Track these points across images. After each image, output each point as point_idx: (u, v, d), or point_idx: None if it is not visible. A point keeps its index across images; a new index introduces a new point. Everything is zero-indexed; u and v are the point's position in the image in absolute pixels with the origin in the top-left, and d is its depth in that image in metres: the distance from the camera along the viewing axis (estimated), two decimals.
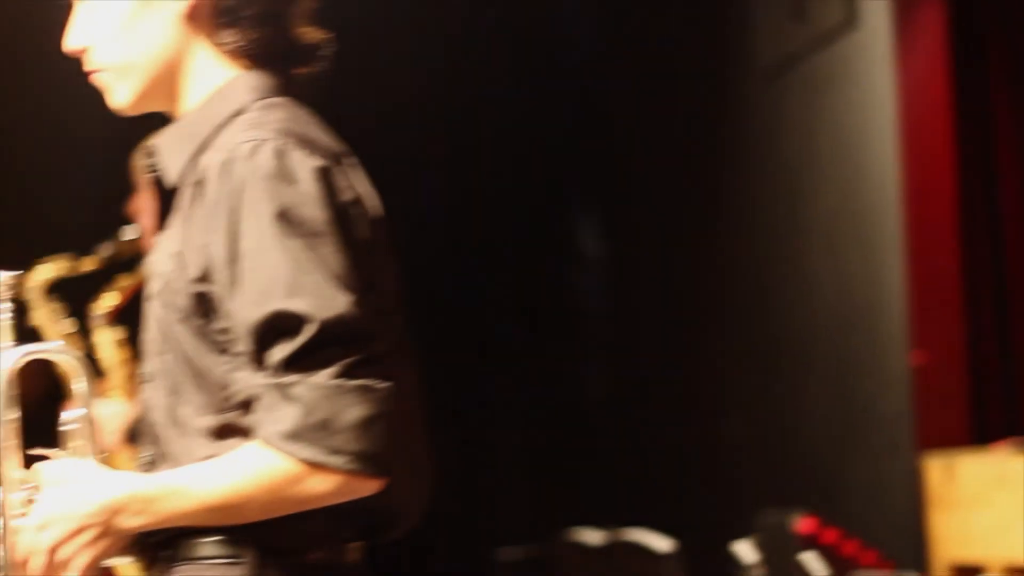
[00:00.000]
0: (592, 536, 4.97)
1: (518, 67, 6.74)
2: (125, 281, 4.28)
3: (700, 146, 6.69)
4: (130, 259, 4.41)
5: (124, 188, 4.50)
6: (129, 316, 4.36)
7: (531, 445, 6.68)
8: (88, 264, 4.38)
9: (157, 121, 4.36)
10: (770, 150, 6.27)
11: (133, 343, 4.30)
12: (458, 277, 6.83)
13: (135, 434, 3.99)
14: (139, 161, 2.30)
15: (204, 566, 2.14)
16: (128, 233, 4.43)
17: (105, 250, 4.39)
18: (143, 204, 4.40)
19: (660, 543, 4.62)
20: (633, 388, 6.76)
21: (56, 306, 4.44)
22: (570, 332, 7.03)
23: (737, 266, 6.52)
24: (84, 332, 4.49)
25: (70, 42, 2.27)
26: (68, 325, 4.45)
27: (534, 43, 6.79)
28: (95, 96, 5.50)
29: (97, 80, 2.27)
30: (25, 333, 4.40)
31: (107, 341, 4.32)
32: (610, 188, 7.12)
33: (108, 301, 4.33)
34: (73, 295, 4.55)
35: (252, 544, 2.12)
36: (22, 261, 4.45)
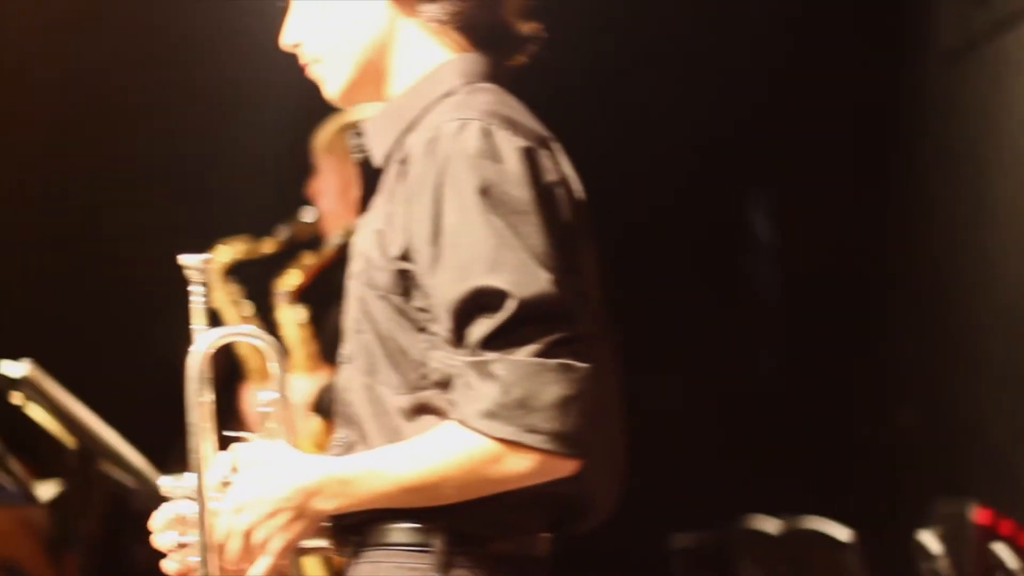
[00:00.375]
0: (769, 524, 4.93)
1: (694, 53, 6.69)
2: (309, 260, 4.31)
3: (876, 131, 6.60)
4: (309, 240, 4.46)
5: (303, 170, 4.55)
6: (311, 295, 4.41)
7: (708, 431, 6.63)
8: (267, 246, 4.44)
9: (336, 108, 4.42)
10: (950, 135, 6.17)
11: (315, 322, 4.35)
12: (631, 263, 6.81)
13: (322, 411, 4.04)
14: (348, 141, 2.31)
15: (393, 552, 2.14)
16: (306, 215, 4.47)
17: (283, 232, 4.44)
18: (321, 186, 4.45)
19: (840, 532, 4.57)
20: (809, 376, 6.70)
21: (235, 288, 4.50)
22: (745, 321, 6.98)
23: (914, 253, 6.43)
24: (263, 312, 4.55)
25: (285, 38, 2.29)
26: (247, 307, 4.52)
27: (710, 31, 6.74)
28: (274, 82, 5.61)
29: (311, 73, 2.29)
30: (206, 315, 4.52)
31: (290, 320, 4.37)
32: (782, 174, 7.05)
33: (291, 280, 4.37)
34: (251, 275, 4.61)
35: (442, 531, 2.11)
36: (202, 244, 4.54)
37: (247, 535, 2.10)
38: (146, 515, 6.34)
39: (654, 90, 6.60)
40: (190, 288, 2.17)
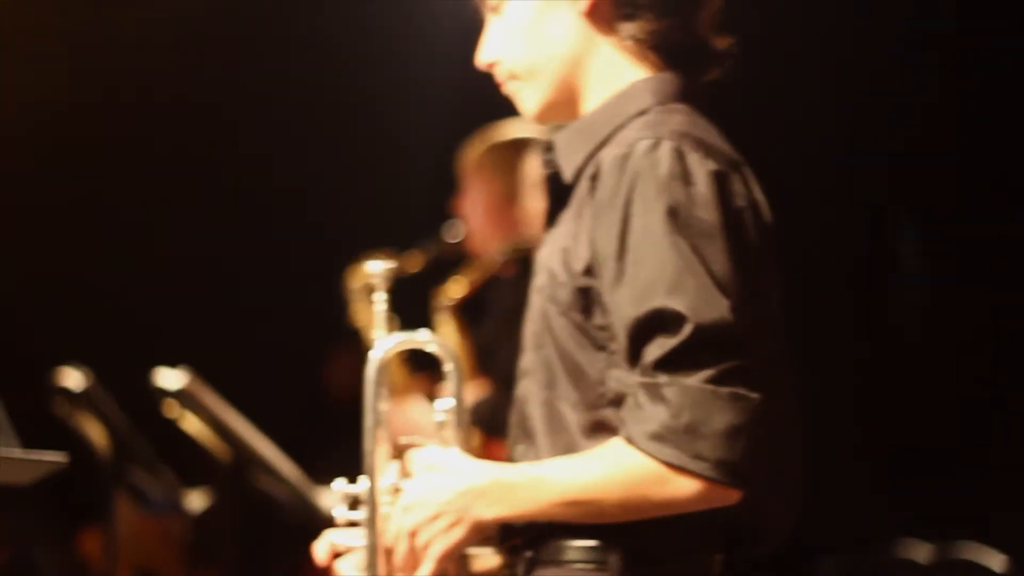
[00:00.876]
0: (920, 550, 4.86)
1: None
2: (472, 273, 4.30)
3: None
4: (453, 257, 4.45)
5: (450, 186, 4.55)
6: (469, 308, 4.39)
7: (859, 453, 6.56)
8: (413, 260, 4.44)
9: (485, 121, 4.41)
10: None
11: (471, 334, 4.34)
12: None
13: (478, 424, 4.03)
14: (538, 157, 2.31)
15: (568, 570, 2.12)
16: (451, 232, 4.47)
17: (428, 248, 4.44)
18: (467, 203, 4.44)
19: (994, 560, 4.49)
20: (962, 401, 6.61)
21: (384, 300, 4.51)
22: (897, 346, 6.91)
23: None
24: (406, 326, 4.55)
25: (482, 56, 2.30)
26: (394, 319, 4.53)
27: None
28: (421, 98, 5.64)
29: (507, 91, 2.29)
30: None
31: (450, 331, 4.37)
32: (933, 196, 6.95)
33: (453, 292, 4.36)
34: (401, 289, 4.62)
35: (617, 550, 2.09)
36: (349, 259, 4.55)
37: (412, 536, 2.10)
38: (297, 528, 6.40)
39: (804, 109, 6.54)
40: (373, 295, 2.22)
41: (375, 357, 2.20)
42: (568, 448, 2.11)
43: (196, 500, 4.48)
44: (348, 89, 7.67)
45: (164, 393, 4.01)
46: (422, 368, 4.45)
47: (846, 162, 6.81)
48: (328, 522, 4.16)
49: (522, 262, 4.13)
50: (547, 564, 2.14)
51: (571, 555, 2.12)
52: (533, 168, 4.02)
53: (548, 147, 2.26)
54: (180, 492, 4.43)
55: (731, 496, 2.02)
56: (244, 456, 3.99)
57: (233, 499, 4.11)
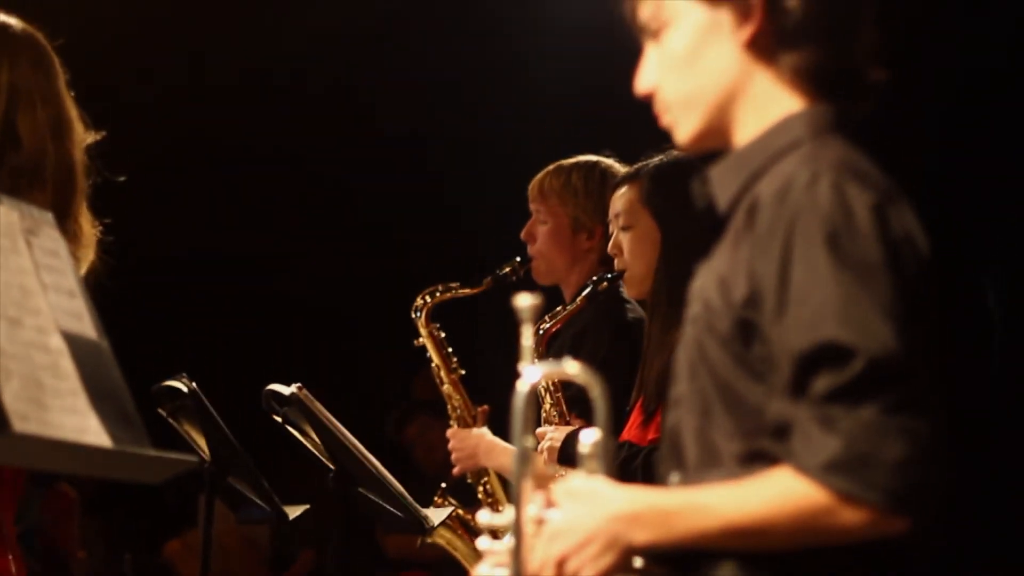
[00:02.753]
0: None
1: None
2: (562, 310, 4.30)
3: None
4: (518, 283, 4.44)
5: (521, 215, 4.55)
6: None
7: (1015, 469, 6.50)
8: (476, 288, 4.44)
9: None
10: None
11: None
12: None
13: (568, 462, 4.01)
14: (694, 189, 2.30)
15: None
16: (518, 259, 4.48)
17: (494, 275, 4.44)
18: (534, 229, 4.44)
19: None
20: None
21: (438, 329, 4.51)
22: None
23: None
24: (467, 353, 4.55)
25: (640, 85, 2.30)
26: (450, 347, 4.53)
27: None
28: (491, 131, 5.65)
29: (664, 121, 2.29)
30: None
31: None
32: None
33: (543, 326, 4.35)
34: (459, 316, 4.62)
35: (771, 574, 2.08)
36: (416, 286, 4.56)
37: (559, 564, 2.09)
38: (401, 541, 6.36)
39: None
40: (521, 328, 2.20)
41: (522, 388, 2.17)
42: (723, 478, 2.10)
43: (294, 511, 4.48)
44: (424, 121, 7.72)
45: (277, 400, 4.03)
46: (479, 400, 4.47)
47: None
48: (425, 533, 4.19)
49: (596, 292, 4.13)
50: None
51: (722, 573, 2.11)
52: (616, 200, 4.03)
53: (702, 180, 2.27)
54: (278, 502, 4.43)
55: (901, 526, 2.01)
56: (352, 468, 4.00)
57: (335, 510, 4.11)
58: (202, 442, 4.39)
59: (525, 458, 2.17)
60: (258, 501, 4.45)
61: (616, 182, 4.08)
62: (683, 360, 2.21)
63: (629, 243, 3.96)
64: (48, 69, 2.91)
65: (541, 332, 4.27)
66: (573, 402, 4.05)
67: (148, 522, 8.01)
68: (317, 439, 4.05)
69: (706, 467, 2.14)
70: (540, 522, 2.14)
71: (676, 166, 3.97)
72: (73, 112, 2.93)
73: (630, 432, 3.95)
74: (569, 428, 4.06)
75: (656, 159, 4.00)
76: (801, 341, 2.02)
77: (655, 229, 3.92)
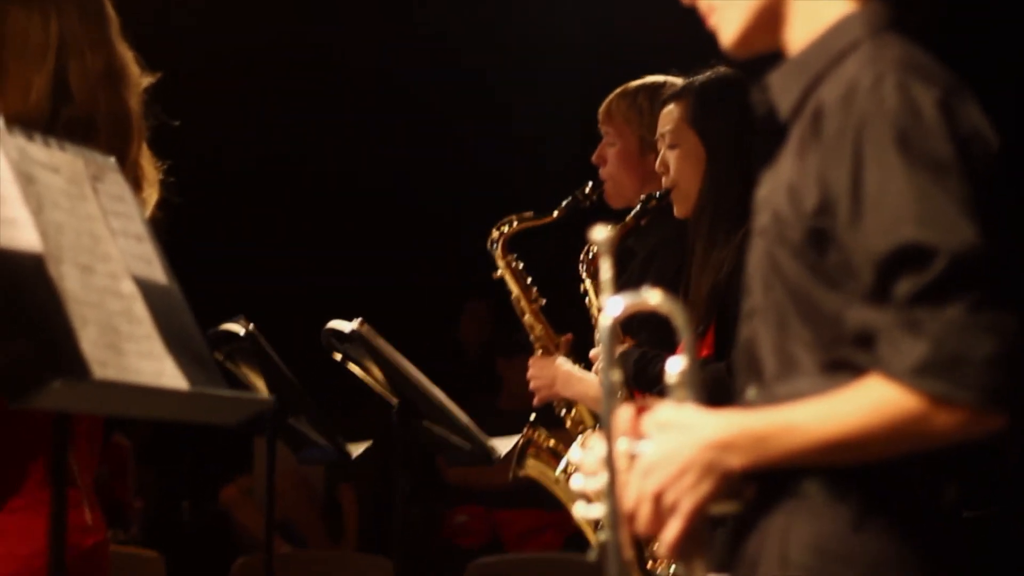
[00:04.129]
0: None
1: None
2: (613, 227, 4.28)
3: None
4: (592, 208, 4.43)
5: (591, 138, 4.53)
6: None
7: None
8: (550, 216, 4.43)
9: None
10: None
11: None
12: None
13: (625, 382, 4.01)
14: (753, 97, 2.27)
15: (806, 504, 2.10)
16: (590, 184, 4.46)
17: (567, 201, 4.43)
18: (605, 153, 4.42)
19: None
20: None
21: (516, 260, 4.50)
22: None
23: None
24: (549, 282, 4.53)
25: None
26: (530, 277, 4.52)
27: None
28: (562, 53, 5.59)
29: (710, 22, 2.27)
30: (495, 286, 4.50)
31: (592, 287, 4.35)
32: None
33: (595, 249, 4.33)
34: (538, 245, 4.60)
35: (859, 483, 2.07)
36: (491, 217, 4.55)
37: (656, 498, 2.08)
38: (465, 474, 6.38)
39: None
40: (600, 262, 2.17)
41: (607, 322, 2.15)
42: (805, 388, 2.09)
43: (356, 449, 4.49)
44: (487, 44, 7.71)
45: (337, 337, 4.03)
46: (562, 329, 4.46)
47: None
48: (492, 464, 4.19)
49: (655, 210, 4.12)
50: (784, 496, 2.12)
51: (810, 490, 2.10)
52: (663, 117, 4.01)
53: (761, 88, 2.24)
54: (341, 441, 4.45)
55: (996, 423, 1.99)
56: (417, 401, 4.00)
57: (400, 445, 4.11)
58: (260, 384, 4.40)
59: (613, 392, 2.15)
60: (320, 441, 4.46)
61: (662, 100, 4.07)
62: (755, 272, 2.19)
63: (675, 161, 3.96)
64: (97, 15, 2.89)
65: (591, 255, 4.26)
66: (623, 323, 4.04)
67: (203, 469, 8.04)
68: (380, 374, 4.05)
69: (786, 378, 2.12)
70: (632, 456, 2.12)
71: (722, 83, 3.96)
72: (127, 56, 2.91)
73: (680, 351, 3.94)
74: (625, 346, 4.06)
75: (702, 76, 3.98)
76: (880, 245, 2.00)
77: (700, 147, 3.92)
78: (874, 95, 2.04)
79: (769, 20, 2.22)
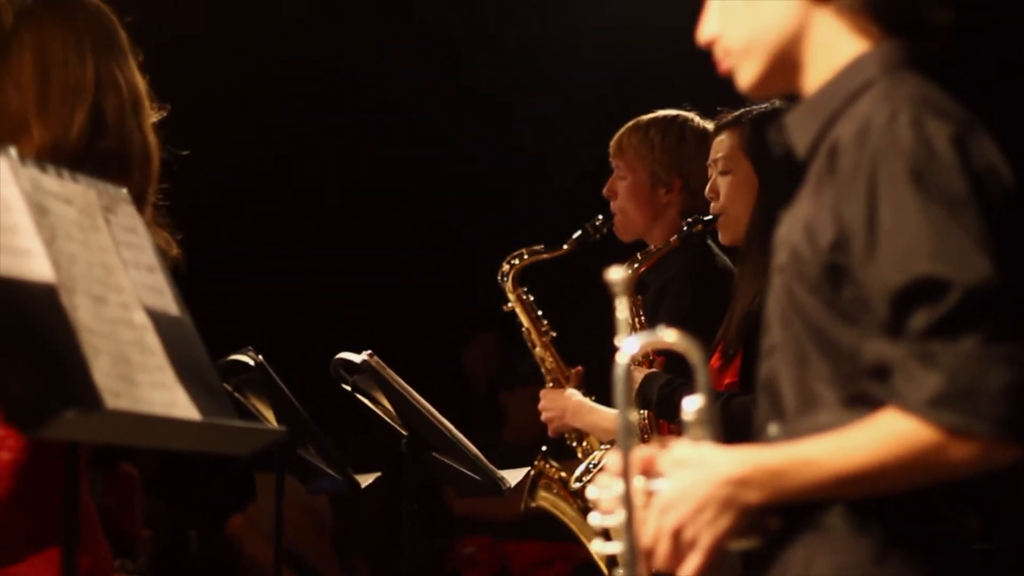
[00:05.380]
0: None
1: None
2: (653, 250, 4.29)
3: None
4: (602, 241, 4.44)
5: (601, 172, 4.54)
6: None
7: None
8: (560, 249, 4.44)
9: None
10: None
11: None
12: None
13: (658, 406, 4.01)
14: (771, 137, 2.29)
15: (828, 538, 2.11)
16: (600, 217, 4.47)
17: (577, 234, 4.44)
18: (615, 186, 4.43)
19: None
20: None
21: (526, 293, 4.51)
22: None
23: None
24: (557, 313, 4.54)
25: (702, 34, 2.31)
26: (538, 310, 4.52)
27: None
28: (571, 88, 5.59)
29: (725, 68, 2.29)
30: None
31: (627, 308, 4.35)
32: None
33: (633, 265, 4.34)
34: (548, 277, 4.60)
35: (880, 517, 2.08)
36: (502, 248, 4.56)
37: (675, 535, 2.09)
38: (473, 505, 6.36)
39: None
40: (616, 301, 2.20)
41: (623, 361, 2.17)
42: (826, 423, 2.10)
43: (365, 480, 4.49)
44: (500, 81, 7.73)
45: (346, 368, 4.04)
46: (572, 362, 4.46)
47: None
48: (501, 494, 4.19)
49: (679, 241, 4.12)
50: (806, 528, 2.13)
51: (832, 521, 2.11)
52: (716, 145, 4.04)
53: (778, 128, 2.27)
54: (350, 472, 4.45)
55: (1012, 454, 2.01)
56: (426, 433, 4.00)
57: (409, 476, 4.11)
58: (269, 415, 4.40)
59: (630, 430, 2.16)
60: (329, 471, 4.46)
61: (717, 127, 4.09)
62: (774, 309, 2.21)
63: (727, 188, 3.99)
64: (122, 48, 2.91)
65: (632, 271, 4.27)
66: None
67: (211, 499, 8.04)
68: (389, 406, 4.06)
69: (807, 414, 2.13)
70: (649, 494, 2.14)
71: (778, 115, 3.98)
72: (144, 88, 2.93)
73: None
74: (646, 370, 4.06)
75: (759, 107, 4.02)
76: (894, 279, 2.02)
77: (753, 176, 3.95)
78: (888, 131, 2.06)
79: (785, 63, 2.24)
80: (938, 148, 2.05)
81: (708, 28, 2.30)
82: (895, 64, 2.18)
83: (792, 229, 2.18)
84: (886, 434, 2.02)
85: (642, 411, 4.03)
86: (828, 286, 2.10)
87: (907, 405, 2.01)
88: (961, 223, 2.01)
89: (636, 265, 4.23)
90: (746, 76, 2.26)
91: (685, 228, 4.12)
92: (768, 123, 3.92)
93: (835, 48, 2.21)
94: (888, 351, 2.03)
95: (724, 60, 2.29)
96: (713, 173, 4.02)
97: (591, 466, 4.32)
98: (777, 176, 3.85)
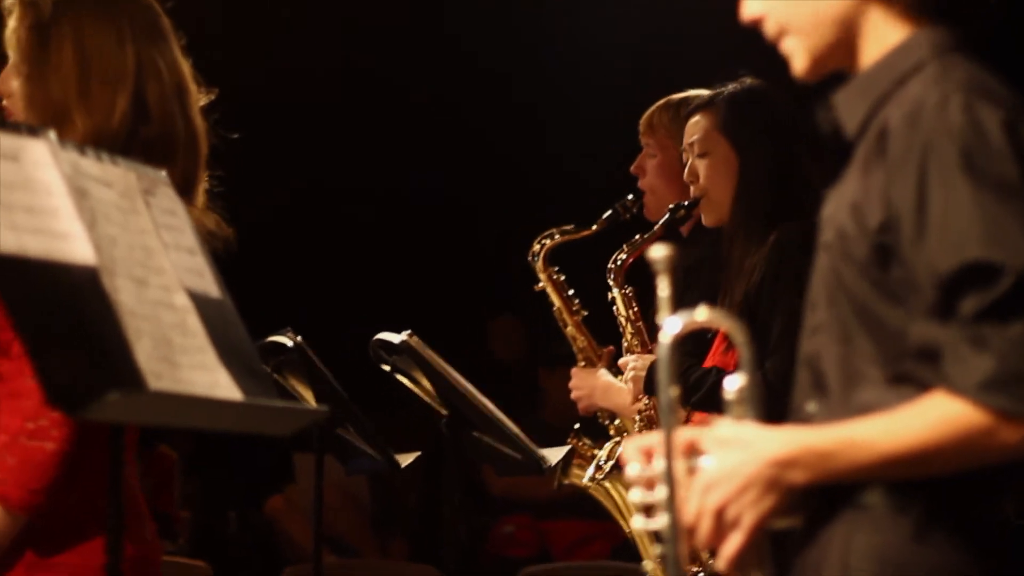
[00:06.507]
0: None
1: None
2: (637, 239, 4.28)
3: None
4: (633, 219, 4.43)
5: (630, 150, 4.53)
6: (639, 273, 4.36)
7: None
8: (591, 228, 4.43)
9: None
10: None
11: (643, 300, 4.32)
12: None
13: (653, 392, 4.00)
14: (818, 116, 2.28)
15: (868, 516, 2.11)
16: (631, 197, 4.46)
17: (608, 214, 4.42)
18: (645, 164, 4.42)
19: None
20: None
21: (557, 273, 4.50)
22: None
23: None
24: (591, 294, 4.53)
25: (746, 11, 2.29)
26: (570, 289, 4.51)
27: None
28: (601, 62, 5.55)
29: (782, 48, 2.28)
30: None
31: (619, 299, 4.35)
32: None
33: (620, 258, 4.33)
34: (582, 257, 4.59)
35: (921, 494, 2.07)
36: (533, 229, 4.55)
37: (718, 514, 2.08)
38: (511, 484, 6.36)
39: None
40: (658, 280, 2.18)
41: (665, 340, 2.16)
42: (866, 403, 2.10)
43: (405, 460, 4.49)
44: (525, 61, 7.73)
45: (385, 349, 4.04)
46: (604, 342, 4.45)
47: None
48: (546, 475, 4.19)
49: (698, 220, 4.11)
50: (846, 506, 2.12)
51: (873, 499, 2.10)
52: (690, 127, 4.02)
53: (827, 107, 2.25)
54: (390, 452, 4.45)
55: None
56: (466, 412, 4.00)
57: (449, 456, 4.11)
58: (308, 396, 4.40)
59: (672, 408, 2.15)
60: (369, 451, 4.46)
61: (689, 110, 4.08)
62: (819, 288, 2.20)
63: (706, 170, 3.99)
64: (164, 34, 2.91)
65: (619, 263, 4.27)
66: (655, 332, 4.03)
67: (249, 480, 8.06)
68: (428, 386, 4.05)
69: (849, 392, 2.13)
70: (691, 471, 2.13)
71: (751, 92, 3.99)
72: (189, 73, 2.93)
73: (714, 358, 3.94)
74: (652, 357, 4.06)
75: (731, 87, 4.00)
76: (945, 263, 2.01)
77: (732, 155, 3.93)
78: (940, 116, 2.06)
79: (842, 45, 2.23)
80: (989, 133, 2.04)
81: (752, 6, 2.28)
82: (945, 47, 2.17)
83: (839, 208, 2.18)
84: (936, 417, 2.01)
85: (650, 398, 4.04)
86: (876, 267, 2.09)
87: (958, 388, 2.00)
88: (1012, 208, 2.01)
89: (624, 256, 4.23)
90: (803, 57, 2.25)
91: (668, 215, 4.12)
92: (742, 101, 3.95)
93: (886, 30, 2.20)
94: (938, 334, 2.03)
95: (778, 39, 2.27)
96: (690, 157, 4.02)
97: (601, 463, 4.32)
98: (757, 153, 3.87)
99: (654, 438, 2.17)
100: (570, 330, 4.48)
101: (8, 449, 2.67)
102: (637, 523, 2.19)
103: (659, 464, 2.15)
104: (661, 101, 4.43)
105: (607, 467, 4.30)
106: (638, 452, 2.18)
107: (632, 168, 4.47)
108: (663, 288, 2.16)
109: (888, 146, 2.10)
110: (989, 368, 1.98)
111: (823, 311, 2.18)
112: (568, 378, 4.38)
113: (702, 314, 2.17)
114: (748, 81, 4.01)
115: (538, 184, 8.01)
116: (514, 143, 8.04)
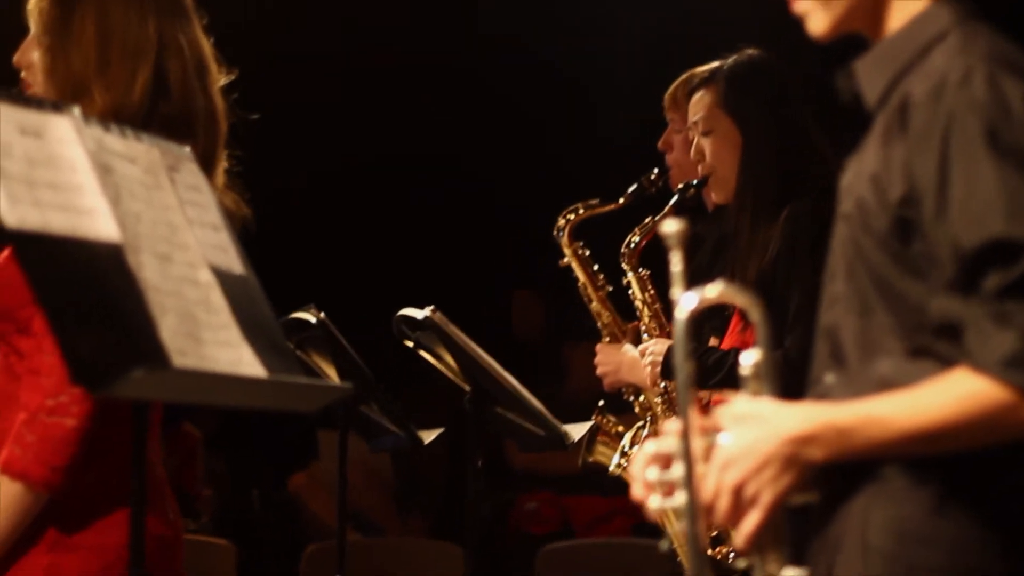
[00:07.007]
0: None
1: None
2: (650, 222, 4.26)
3: None
4: (658, 194, 4.41)
5: (656, 125, 4.51)
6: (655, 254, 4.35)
7: None
8: (616, 203, 4.41)
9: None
10: None
11: (658, 280, 4.31)
12: None
13: (670, 374, 3.99)
14: (838, 83, 2.25)
15: (887, 489, 2.09)
16: (657, 172, 4.44)
17: (632, 189, 4.41)
18: (670, 140, 4.40)
19: None
20: None
21: (582, 248, 4.49)
22: None
23: None
24: (617, 270, 4.52)
25: None
26: (596, 265, 4.50)
27: None
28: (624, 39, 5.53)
29: (797, 10, 2.25)
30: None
31: (634, 279, 4.34)
32: None
33: (634, 239, 4.32)
34: (607, 233, 4.58)
35: (940, 466, 2.06)
36: (556, 204, 4.54)
37: (736, 491, 2.07)
38: (534, 460, 6.35)
39: None
40: (671, 255, 2.16)
41: (681, 316, 2.14)
42: (884, 376, 2.08)
43: (428, 436, 4.49)
44: (549, 34, 7.71)
45: (408, 324, 4.03)
46: (629, 318, 4.44)
47: None
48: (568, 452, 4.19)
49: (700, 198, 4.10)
50: (865, 480, 2.11)
51: (891, 472, 2.09)
52: (693, 105, 4.01)
53: (847, 75, 2.23)
54: (413, 428, 4.45)
55: None
56: (490, 388, 3.99)
57: (473, 432, 4.11)
58: (332, 372, 4.40)
59: (689, 384, 2.14)
60: (392, 428, 4.46)
61: (691, 88, 4.05)
62: (838, 259, 2.19)
63: (711, 147, 3.98)
64: (185, 12, 2.90)
65: (632, 246, 4.25)
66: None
67: (272, 457, 8.07)
68: (452, 361, 4.05)
69: (867, 363, 2.12)
70: (709, 448, 2.12)
71: (752, 64, 3.96)
72: (210, 52, 2.92)
73: (731, 337, 3.93)
74: (669, 341, 4.06)
75: (730, 60, 3.98)
76: (967, 239, 2.00)
77: (735, 131, 3.92)
78: (963, 89, 2.04)
79: (862, 11, 2.21)
80: (1013, 107, 2.03)
81: None
82: (967, 15, 2.15)
83: (858, 178, 2.16)
84: (957, 393, 2.00)
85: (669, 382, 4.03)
86: (896, 240, 2.08)
87: (980, 364, 1.99)
88: None
89: (637, 239, 4.22)
90: (821, 21, 2.23)
91: (677, 196, 4.10)
92: (743, 74, 3.92)
93: (909, 2, 2.18)
94: (959, 309, 2.01)
95: (796, 3, 2.25)
96: (695, 135, 4.00)
97: (626, 449, 4.31)
98: (760, 126, 3.85)
99: (666, 444, 2.15)
100: (595, 306, 4.47)
101: (28, 426, 2.67)
102: (654, 502, 2.17)
103: (674, 441, 2.14)
104: (684, 75, 4.40)
105: (633, 452, 4.29)
106: (649, 461, 2.17)
107: (659, 144, 4.46)
108: (676, 263, 2.14)
109: (910, 119, 2.08)
110: (1012, 345, 1.96)
111: (842, 282, 2.17)
112: (593, 354, 4.37)
113: (715, 290, 2.15)
114: (748, 52, 3.98)
115: (562, 159, 7.99)
116: (537, 117, 8.02)
